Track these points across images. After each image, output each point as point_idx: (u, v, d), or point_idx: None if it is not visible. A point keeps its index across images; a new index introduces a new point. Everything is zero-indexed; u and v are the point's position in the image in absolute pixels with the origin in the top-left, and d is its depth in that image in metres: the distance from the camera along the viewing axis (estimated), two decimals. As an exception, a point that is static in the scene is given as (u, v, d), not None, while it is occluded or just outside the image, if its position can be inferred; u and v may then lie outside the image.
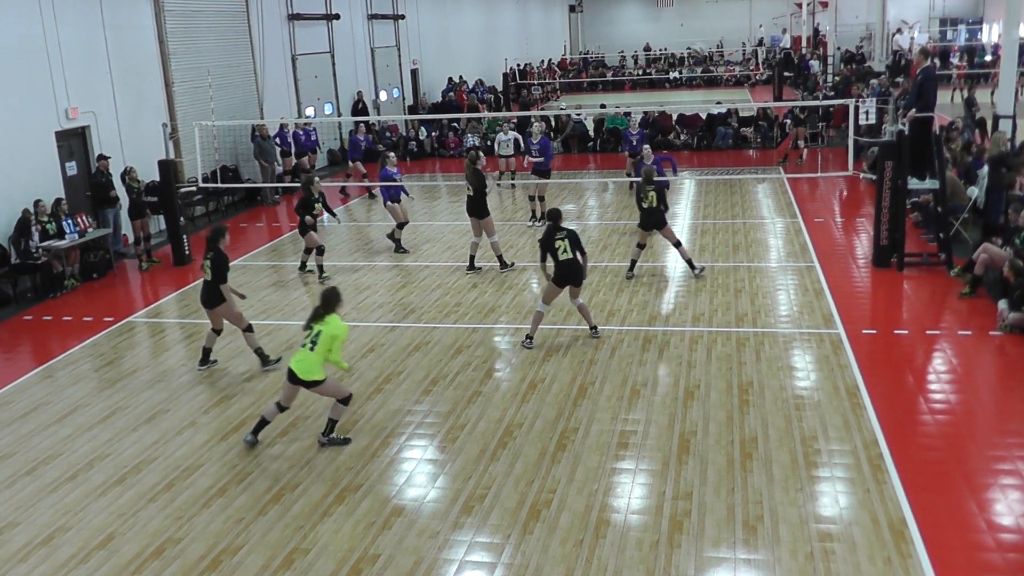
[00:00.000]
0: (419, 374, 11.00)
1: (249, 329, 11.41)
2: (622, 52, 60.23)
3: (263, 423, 9.33)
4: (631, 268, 14.45)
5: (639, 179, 14.21)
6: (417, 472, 8.67)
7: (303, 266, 15.80)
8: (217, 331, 11.47)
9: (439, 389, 10.53)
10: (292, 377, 8.95)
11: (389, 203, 17.15)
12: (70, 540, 7.78)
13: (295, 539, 7.59)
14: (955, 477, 8.04)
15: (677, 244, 14.38)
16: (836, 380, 10.16)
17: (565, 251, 11.32)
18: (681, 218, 18.49)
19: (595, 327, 11.92)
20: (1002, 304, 11.54)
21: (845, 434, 8.86)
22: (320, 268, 15.27)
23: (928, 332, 11.59)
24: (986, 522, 7.36)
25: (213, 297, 11.14)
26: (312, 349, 8.85)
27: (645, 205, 14.06)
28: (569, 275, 11.44)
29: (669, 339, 11.73)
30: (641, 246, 14.47)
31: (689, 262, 14.28)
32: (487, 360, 11.38)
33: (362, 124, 24.32)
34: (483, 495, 8.11)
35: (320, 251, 15.29)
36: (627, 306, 13.03)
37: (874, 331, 11.68)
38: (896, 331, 11.67)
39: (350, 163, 23.36)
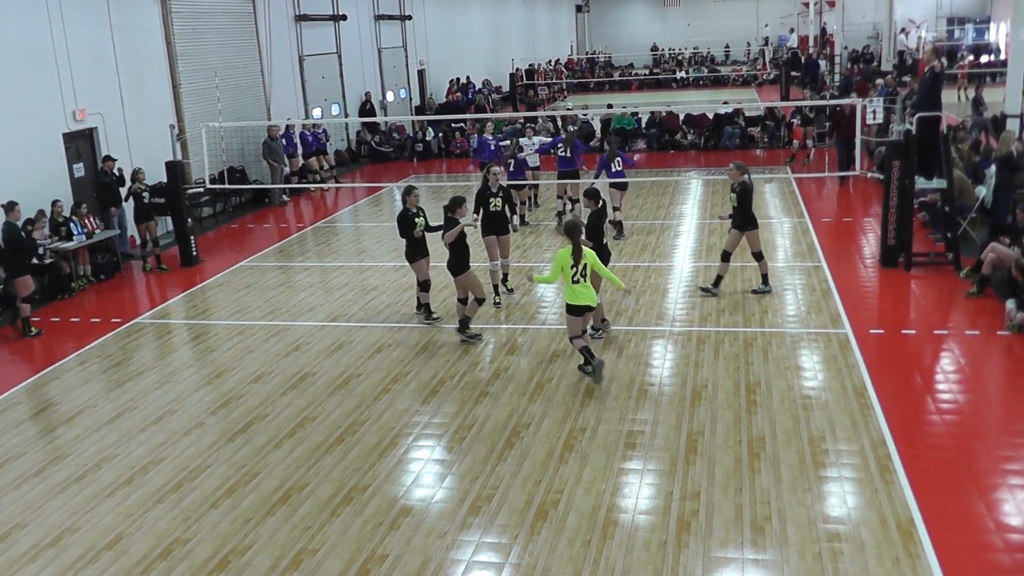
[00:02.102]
0: (426, 374, 11.01)
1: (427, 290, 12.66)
2: (662, 51, 60.25)
3: (588, 353, 10.34)
4: (716, 283, 13.40)
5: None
6: (424, 472, 8.68)
7: (420, 306, 13.13)
8: (462, 300, 12.17)
9: (446, 389, 10.53)
10: (584, 310, 10.35)
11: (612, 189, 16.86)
12: (78, 541, 7.80)
13: (303, 539, 7.60)
14: (963, 477, 8.02)
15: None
16: (844, 380, 10.14)
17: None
18: (688, 218, 18.49)
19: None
20: (1010, 304, 11.50)
21: (853, 434, 8.85)
22: (426, 307, 12.95)
23: (936, 332, 11.56)
24: (994, 522, 7.34)
25: (454, 265, 11.91)
26: (586, 280, 10.22)
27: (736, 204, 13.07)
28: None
29: (676, 339, 11.73)
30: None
31: (764, 278, 13.34)
32: (494, 360, 11.38)
33: (489, 123, 21.55)
34: (490, 495, 8.11)
35: (425, 286, 12.86)
36: (634, 306, 13.02)
37: (881, 331, 11.65)
38: (904, 331, 11.65)
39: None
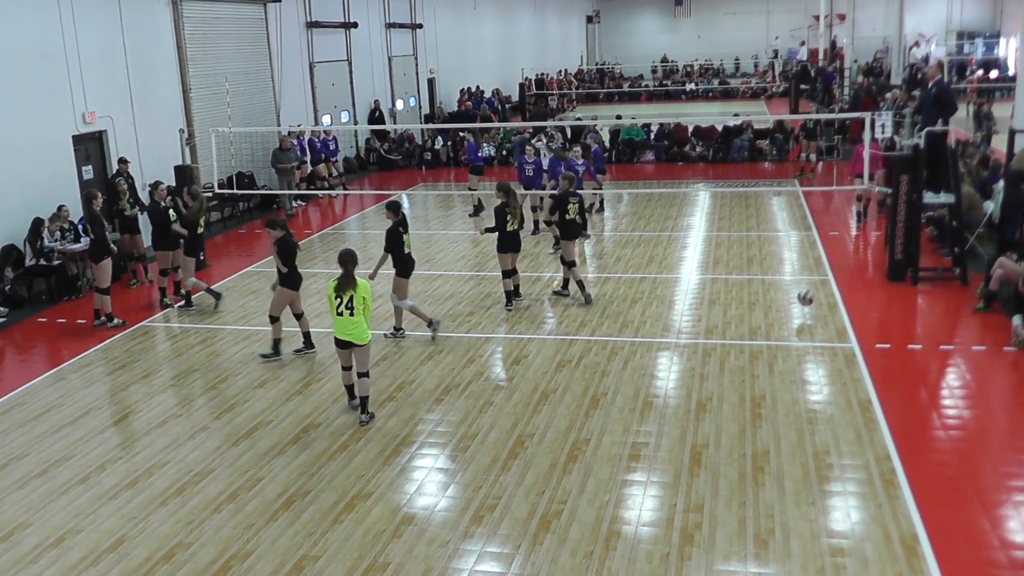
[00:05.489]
0: (431, 383, 11.01)
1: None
2: (673, 63, 60.28)
3: (351, 391, 10.20)
4: (565, 286, 14.09)
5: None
6: (428, 481, 8.67)
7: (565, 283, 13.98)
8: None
9: (451, 398, 10.53)
10: (346, 344, 9.83)
11: None
12: (80, 543, 7.81)
13: (305, 546, 7.60)
14: (968, 493, 7.99)
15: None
16: (849, 394, 10.11)
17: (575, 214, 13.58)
18: (696, 230, 18.47)
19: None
20: (1016, 320, 11.46)
21: (857, 449, 8.82)
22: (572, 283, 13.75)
23: (942, 347, 11.53)
24: (999, 539, 7.31)
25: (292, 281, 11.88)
26: (352, 315, 9.67)
27: (570, 217, 13.67)
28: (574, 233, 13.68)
29: (682, 351, 11.71)
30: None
31: (580, 284, 13.64)
32: (499, 370, 11.37)
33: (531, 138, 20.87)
34: (494, 505, 8.10)
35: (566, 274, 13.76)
36: (640, 317, 13.01)
37: (888, 345, 11.62)
38: (910, 346, 11.61)
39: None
